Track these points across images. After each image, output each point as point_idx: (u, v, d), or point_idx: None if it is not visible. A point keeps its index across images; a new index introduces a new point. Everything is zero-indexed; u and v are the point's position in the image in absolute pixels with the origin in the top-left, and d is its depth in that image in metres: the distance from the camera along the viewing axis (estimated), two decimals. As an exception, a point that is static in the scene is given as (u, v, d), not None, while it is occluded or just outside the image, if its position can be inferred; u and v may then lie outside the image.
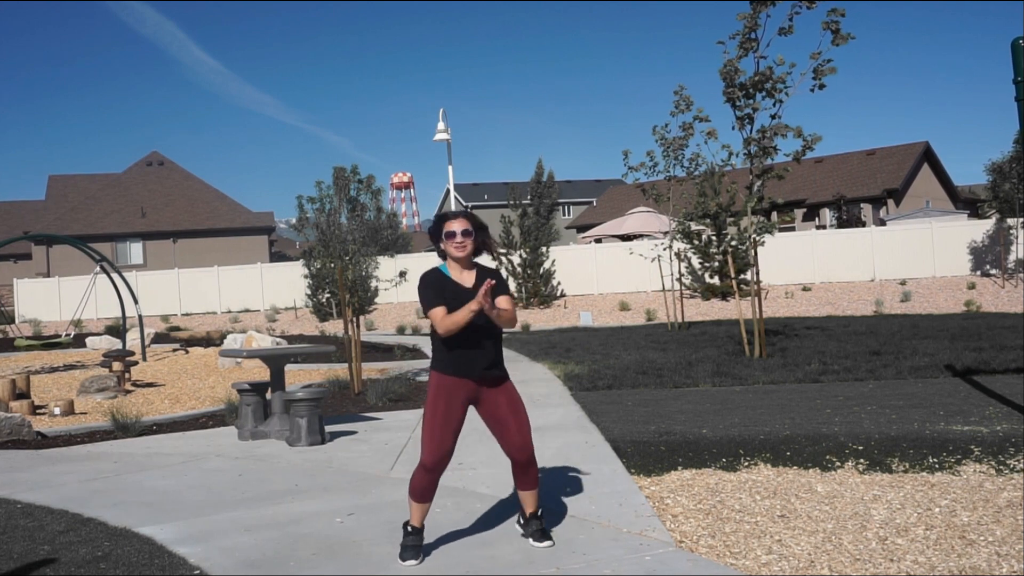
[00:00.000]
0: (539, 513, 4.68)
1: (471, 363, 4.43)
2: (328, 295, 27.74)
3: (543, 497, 5.61)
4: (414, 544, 4.47)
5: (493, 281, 4.30)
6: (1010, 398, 8.32)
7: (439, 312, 4.36)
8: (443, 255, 4.55)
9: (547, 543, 4.59)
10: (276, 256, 56.75)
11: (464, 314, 4.29)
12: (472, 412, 4.80)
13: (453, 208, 27.13)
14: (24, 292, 35.02)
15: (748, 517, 5.14)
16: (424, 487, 4.45)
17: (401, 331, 22.86)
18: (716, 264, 26.17)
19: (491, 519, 5.19)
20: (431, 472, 4.42)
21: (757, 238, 13.36)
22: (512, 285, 28.28)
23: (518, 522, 4.77)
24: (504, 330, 4.55)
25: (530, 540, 4.63)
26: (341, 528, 5.14)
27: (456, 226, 4.45)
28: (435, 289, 4.43)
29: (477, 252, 4.54)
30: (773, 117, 12.42)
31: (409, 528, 4.50)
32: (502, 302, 4.44)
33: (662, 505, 5.45)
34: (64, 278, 35.42)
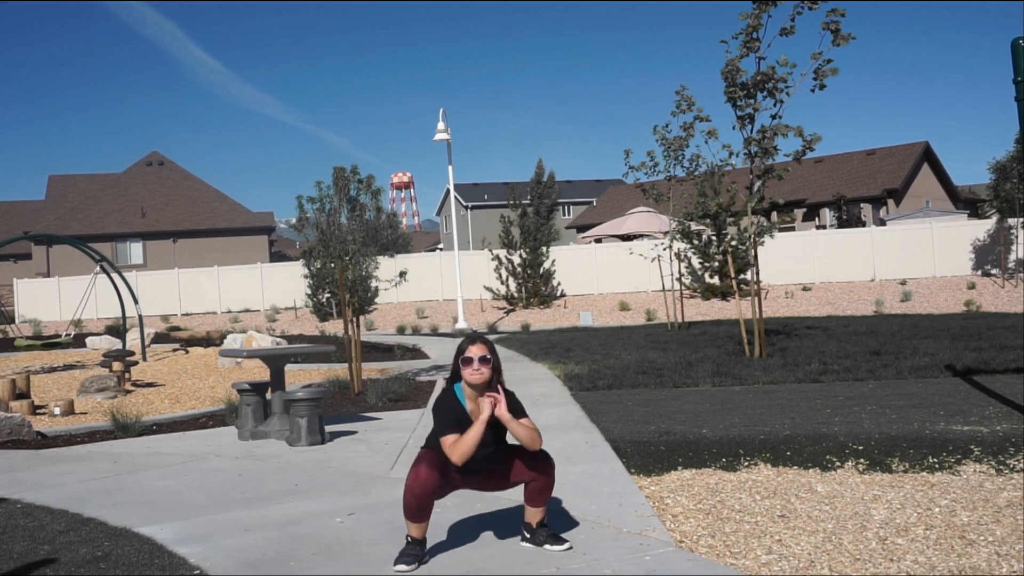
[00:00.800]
0: (545, 521, 4.65)
1: (468, 479, 4.49)
2: (328, 295, 27.74)
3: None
4: (412, 553, 4.44)
5: (499, 397, 4.34)
6: (1010, 398, 8.33)
7: (449, 439, 4.33)
8: (459, 377, 4.50)
9: (566, 545, 4.55)
10: (276, 256, 56.76)
11: (477, 427, 4.29)
12: None
13: (453, 209, 27.10)
14: (24, 292, 35.02)
15: (748, 517, 5.15)
16: (414, 508, 4.39)
17: (401, 331, 22.87)
18: (716, 264, 26.18)
19: (491, 519, 5.19)
20: (416, 499, 4.38)
21: (757, 238, 13.36)
22: (512, 285, 28.29)
23: (523, 538, 4.67)
24: (532, 450, 4.46)
25: (546, 546, 4.57)
26: (341, 528, 5.14)
27: (474, 352, 4.39)
28: (449, 415, 4.40)
29: (494, 384, 4.46)
30: (774, 117, 12.42)
31: (409, 539, 4.49)
32: (518, 425, 4.41)
33: (662, 505, 5.45)
34: (64, 278, 35.42)
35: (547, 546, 4.57)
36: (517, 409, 4.44)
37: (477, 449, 4.33)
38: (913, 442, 6.60)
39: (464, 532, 4.95)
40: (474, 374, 4.39)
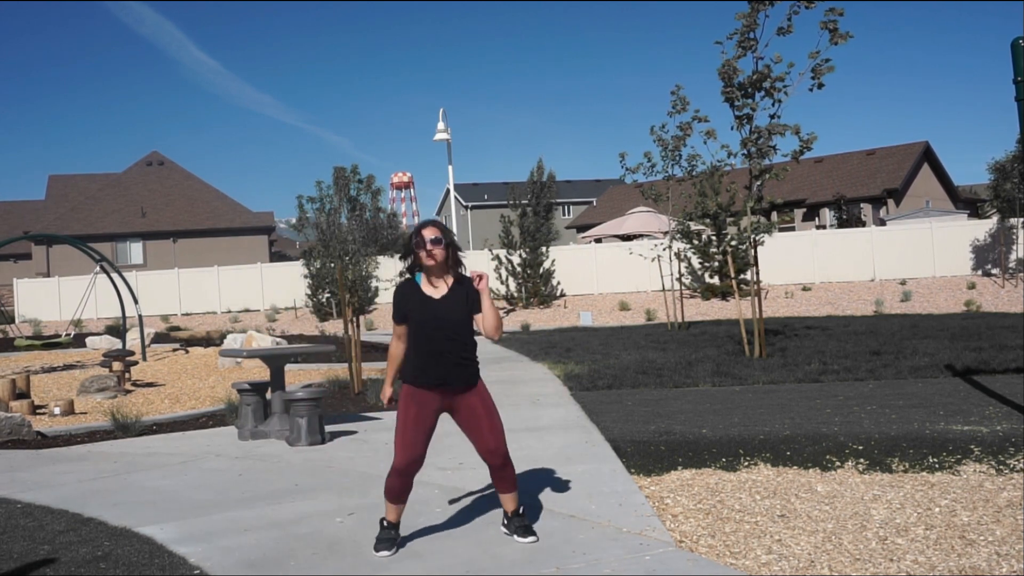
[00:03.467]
0: (520, 511, 4.75)
1: (439, 376, 4.49)
2: (328, 295, 27.75)
3: (544, 496, 5.61)
4: (389, 538, 4.62)
5: (485, 273, 4.49)
6: (1010, 398, 8.32)
7: (396, 331, 4.64)
8: (417, 267, 4.58)
9: (531, 538, 4.66)
10: (276, 256, 56.75)
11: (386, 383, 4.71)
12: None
13: (453, 209, 27.14)
14: (24, 292, 35.02)
15: (748, 517, 5.15)
16: (398, 489, 4.57)
17: (401, 331, 22.84)
18: (716, 264, 26.18)
19: (491, 519, 5.18)
20: (403, 476, 4.53)
21: (757, 238, 13.36)
22: (512, 285, 28.28)
23: (503, 524, 4.83)
24: (490, 337, 4.60)
25: (515, 537, 4.71)
26: (341, 528, 5.14)
27: (427, 234, 4.47)
28: (400, 302, 4.55)
29: (452, 264, 4.54)
30: (772, 117, 12.42)
31: (385, 523, 4.65)
32: (490, 302, 4.56)
33: (662, 505, 5.45)
34: (64, 278, 35.42)
35: (516, 537, 4.70)
36: (481, 297, 4.53)
37: (443, 329, 4.43)
38: (913, 442, 6.60)
39: (463, 532, 4.95)
40: (428, 257, 4.45)
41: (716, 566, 4.32)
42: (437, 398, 4.53)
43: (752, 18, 12.14)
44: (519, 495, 4.78)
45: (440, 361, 4.47)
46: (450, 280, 4.53)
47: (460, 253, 4.57)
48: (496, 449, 4.56)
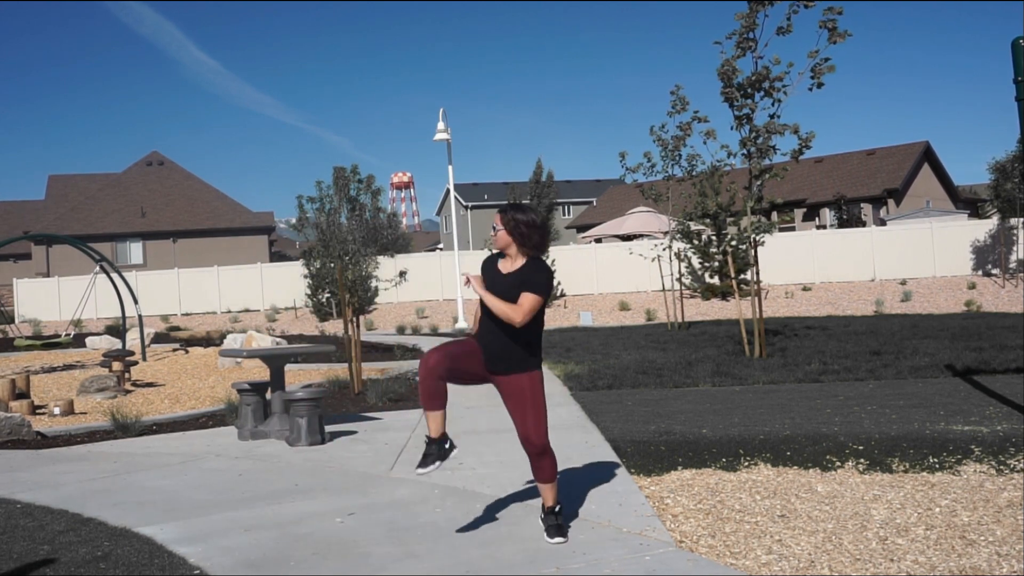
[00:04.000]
0: (556, 508, 4.75)
1: (484, 349, 4.68)
2: (328, 295, 27.74)
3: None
4: (429, 453, 4.62)
5: (471, 275, 4.69)
6: (1010, 398, 8.32)
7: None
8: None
9: (557, 539, 4.65)
10: (276, 256, 56.75)
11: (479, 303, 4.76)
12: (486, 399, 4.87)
13: (453, 209, 27.10)
14: (24, 292, 35.03)
15: (748, 517, 5.14)
16: (426, 390, 4.52)
17: (401, 331, 22.87)
18: (716, 264, 26.18)
19: (491, 519, 5.19)
20: (429, 372, 4.48)
21: (757, 238, 13.35)
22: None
23: (540, 516, 4.85)
24: (519, 328, 4.60)
25: (544, 535, 4.72)
26: (341, 528, 5.13)
27: (493, 220, 4.86)
28: (483, 274, 4.85)
29: (519, 246, 4.70)
30: (772, 117, 12.41)
31: (427, 438, 4.69)
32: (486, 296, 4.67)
33: (662, 505, 5.45)
34: (64, 278, 35.42)
35: (544, 535, 4.71)
36: (527, 281, 4.60)
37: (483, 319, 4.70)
38: (913, 442, 6.60)
39: (463, 532, 4.95)
40: (494, 241, 4.81)
41: (716, 566, 4.32)
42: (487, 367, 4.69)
43: (751, 18, 12.14)
44: (558, 493, 4.79)
45: (488, 336, 4.66)
46: (520, 262, 4.71)
47: (527, 236, 4.63)
48: (533, 438, 4.63)
